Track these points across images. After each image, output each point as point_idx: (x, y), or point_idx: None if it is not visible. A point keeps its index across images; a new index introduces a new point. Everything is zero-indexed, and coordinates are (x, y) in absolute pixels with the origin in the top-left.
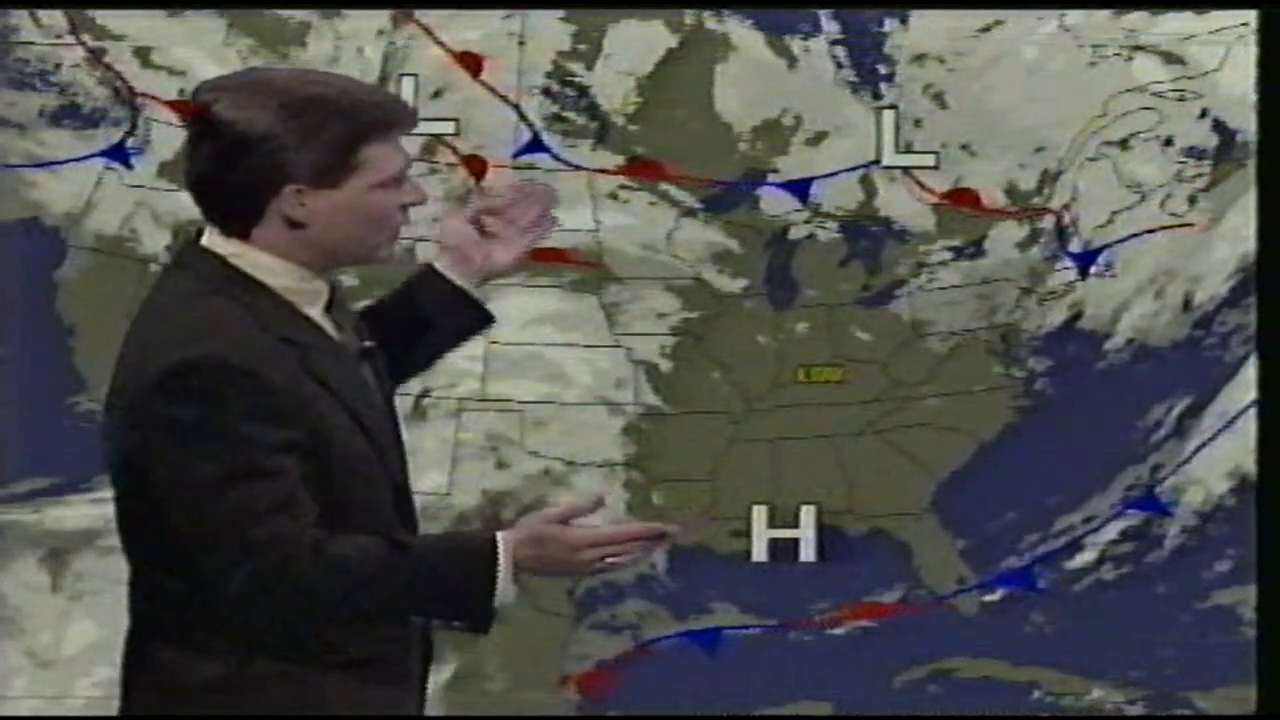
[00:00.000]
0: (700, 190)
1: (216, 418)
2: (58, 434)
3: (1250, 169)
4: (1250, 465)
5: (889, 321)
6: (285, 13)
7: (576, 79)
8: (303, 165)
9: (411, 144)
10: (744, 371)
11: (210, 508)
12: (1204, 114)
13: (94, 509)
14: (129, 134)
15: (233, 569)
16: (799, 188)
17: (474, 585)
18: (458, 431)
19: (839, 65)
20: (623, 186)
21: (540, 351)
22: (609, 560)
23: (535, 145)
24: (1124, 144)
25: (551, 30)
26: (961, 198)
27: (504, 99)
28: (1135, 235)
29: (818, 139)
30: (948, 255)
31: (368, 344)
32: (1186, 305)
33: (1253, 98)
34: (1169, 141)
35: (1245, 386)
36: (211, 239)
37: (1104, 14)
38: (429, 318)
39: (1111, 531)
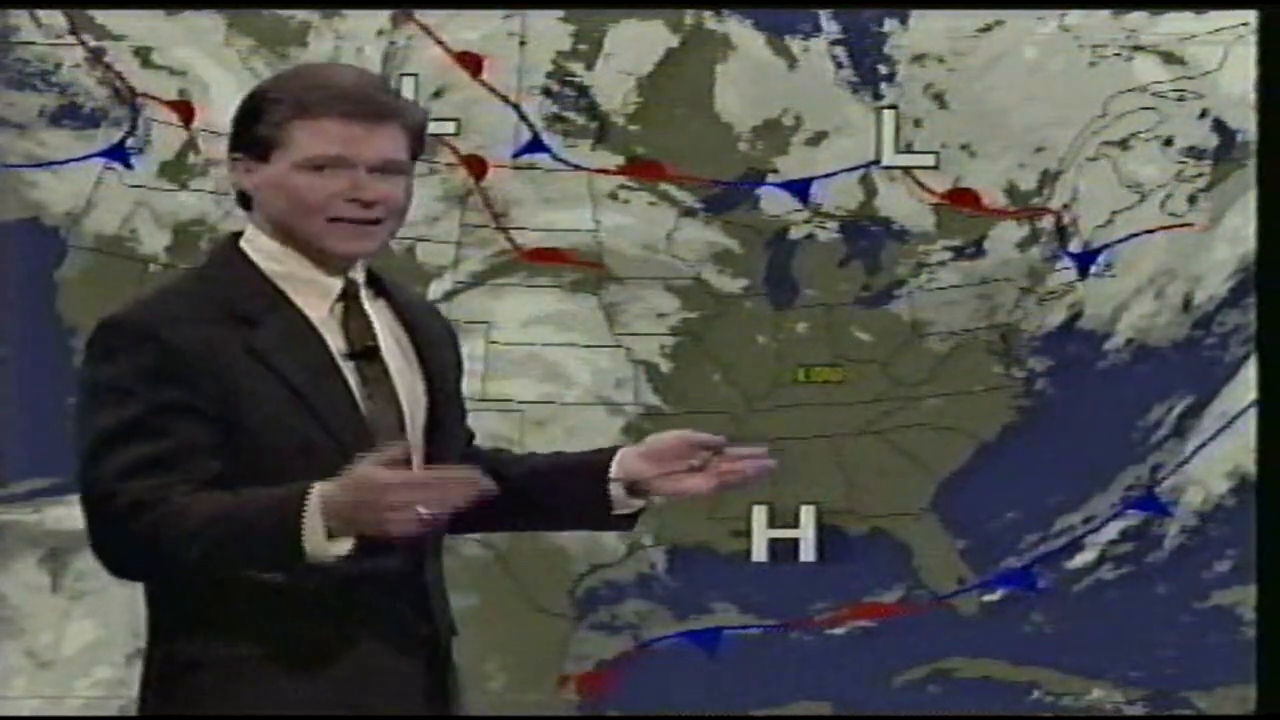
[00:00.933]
0: (700, 190)
1: (112, 375)
2: (58, 434)
3: (1250, 169)
4: (1250, 465)
5: (889, 321)
6: (285, 13)
7: (576, 79)
8: (243, 135)
9: None
10: (744, 371)
11: (94, 460)
12: (1204, 114)
13: None
14: (129, 134)
15: (107, 523)
16: (799, 188)
17: (284, 530)
18: None
19: (839, 65)
20: (623, 186)
21: (540, 351)
22: (422, 508)
23: (535, 145)
24: (1124, 144)
25: (551, 30)
26: (961, 198)
27: (504, 99)
28: (1135, 235)
29: (818, 139)
30: (948, 255)
31: (369, 344)
32: (1186, 305)
33: (1253, 98)
34: (1169, 141)
35: (1245, 386)
36: (247, 229)
37: (1104, 14)
38: (555, 508)
39: (1111, 531)
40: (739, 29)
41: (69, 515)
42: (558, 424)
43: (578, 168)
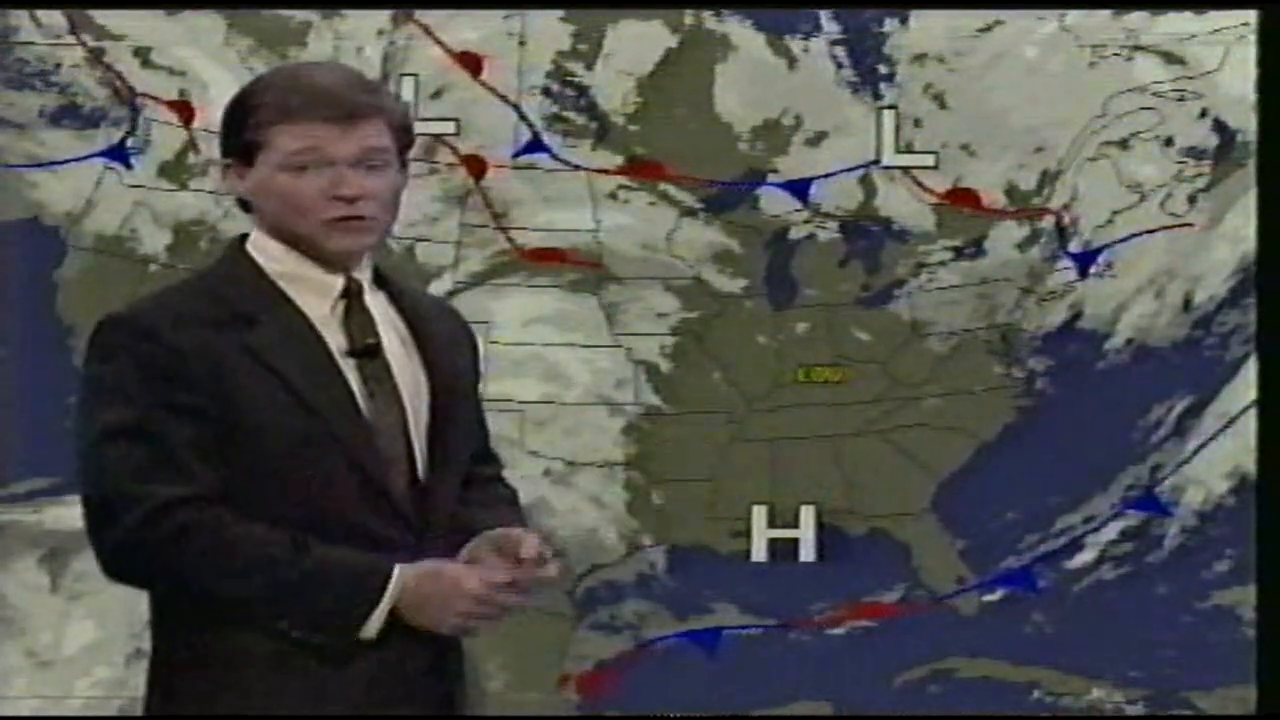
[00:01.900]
0: (700, 190)
1: (112, 372)
2: (58, 434)
3: (1250, 169)
4: (1250, 465)
5: (889, 321)
6: (285, 13)
7: (576, 79)
8: (230, 139)
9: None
10: (744, 371)
11: (94, 460)
12: (1204, 114)
13: None
14: (129, 134)
15: (106, 524)
16: (799, 188)
17: (355, 603)
18: None
19: (839, 65)
20: (623, 186)
21: (540, 351)
22: (479, 618)
23: (535, 145)
24: (1124, 144)
25: (551, 30)
26: (961, 198)
27: (504, 99)
28: (1135, 235)
29: (818, 139)
30: (948, 255)
31: (370, 342)
32: (1186, 305)
33: (1253, 98)
34: (1169, 141)
35: (1245, 386)
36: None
37: (1104, 14)
38: None
39: (1111, 531)
40: (739, 29)
41: (69, 515)
42: (558, 424)
43: (578, 168)
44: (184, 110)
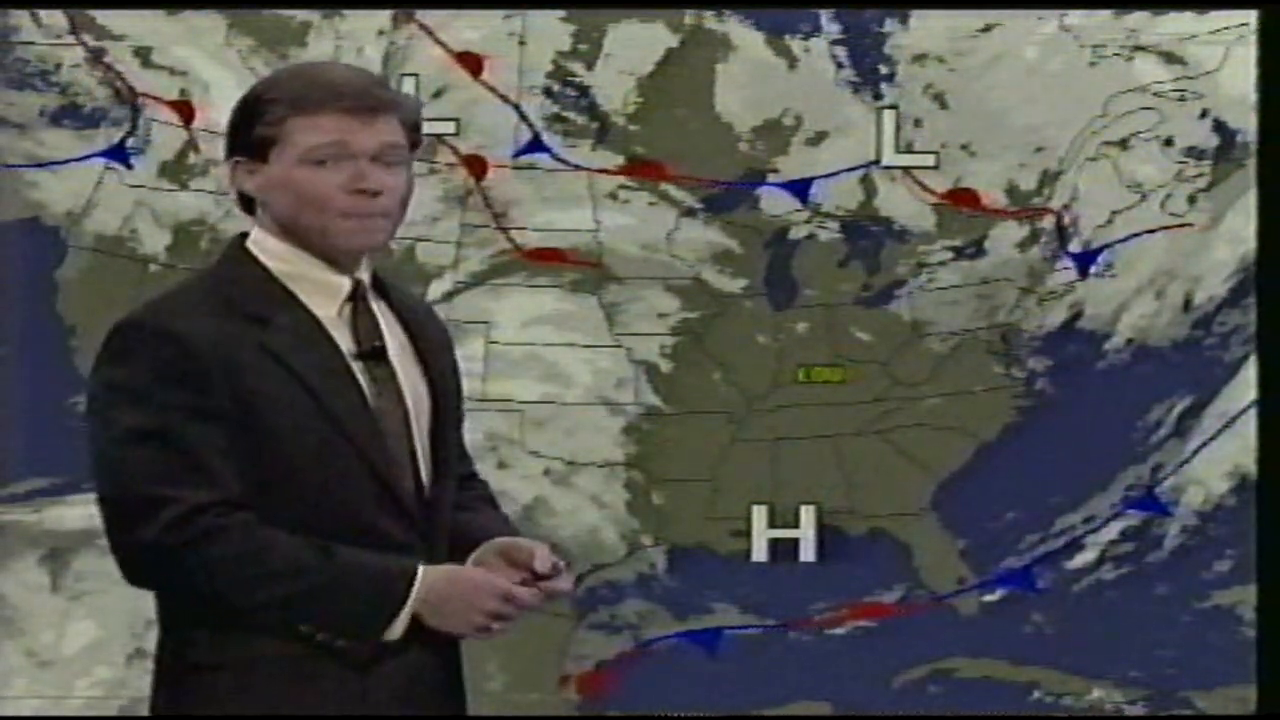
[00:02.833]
0: (700, 190)
1: (133, 376)
2: (58, 434)
3: (1250, 169)
4: (1250, 465)
5: (889, 321)
6: (285, 13)
7: (577, 79)
8: (241, 138)
9: None
10: (744, 371)
11: (117, 464)
12: (1204, 114)
13: (94, 509)
14: (129, 134)
15: (128, 528)
16: (799, 188)
17: (382, 605)
18: None
19: (839, 65)
20: (623, 186)
21: (540, 351)
22: (499, 620)
23: (535, 145)
24: (1124, 144)
25: (551, 30)
26: (961, 198)
27: (504, 99)
28: (1135, 235)
29: (818, 139)
30: (948, 255)
31: (377, 344)
32: (1186, 305)
33: (1253, 98)
34: (1169, 141)
35: (1245, 386)
36: (253, 230)
37: (1104, 14)
38: None
39: (1111, 531)
40: (739, 29)
41: (69, 515)
42: (558, 424)
43: (578, 168)
44: (184, 110)
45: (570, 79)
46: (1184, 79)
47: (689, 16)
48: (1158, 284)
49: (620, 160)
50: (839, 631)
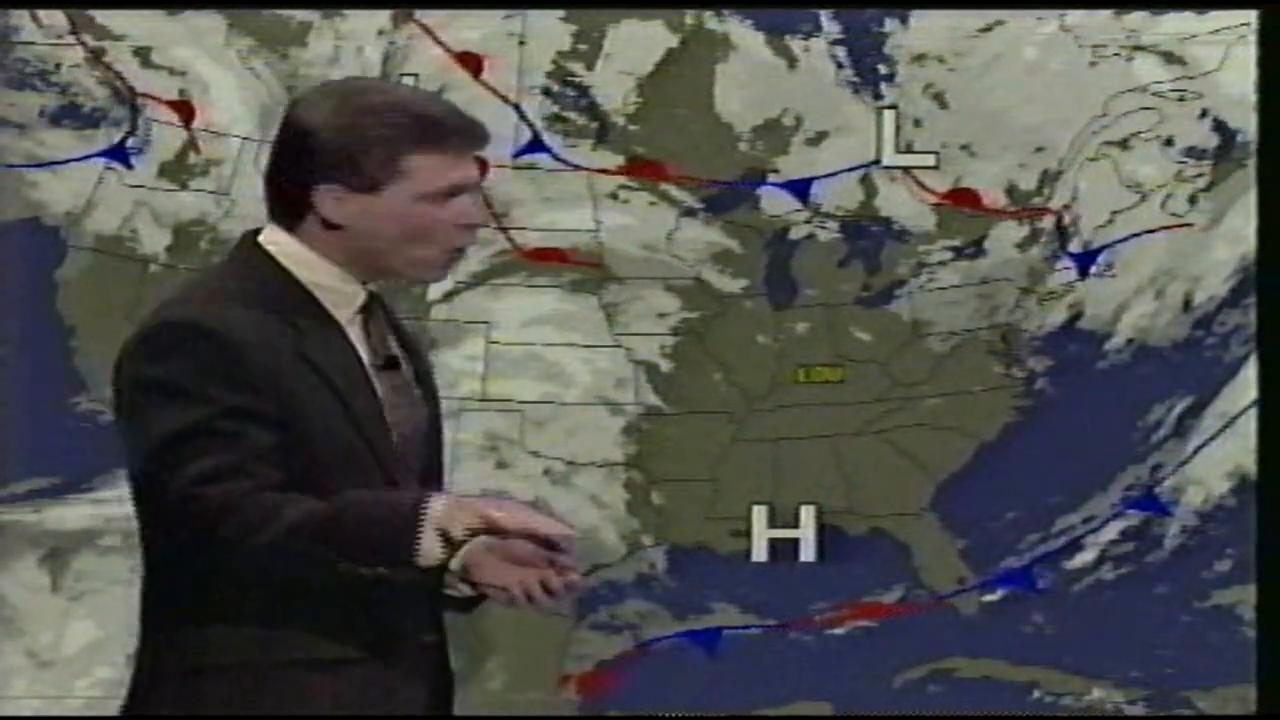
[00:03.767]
0: (700, 190)
1: (179, 375)
2: (58, 434)
3: (1250, 169)
4: (1250, 465)
5: (889, 321)
6: (285, 13)
7: (577, 79)
8: (343, 168)
9: None
10: (744, 371)
11: (165, 464)
12: (1204, 114)
13: (94, 509)
14: (129, 134)
15: (179, 528)
16: (799, 188)
17: (396, 528)
18: (457, 432)
19: (839, 65)
20: (623, 186)
21: (540, 351)
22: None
23: (535, 145)
24: (1124, 144)
25: (551, 30)
26: (961, 198)
27: (504, 99)
28: (1135, 235)
29: (818, 139)
30: (948, 255)
31: (391, 354)
32: (1186, 305)
33: (1253, 98)
34: (1169, 141)
35: (1245, 386)
36: (265, 230)
37: (1104, 14)
38: None
39: (1111, 531)
40: (739, 29)
41: (69, 515)
42: (558, 424)
43: (578, 168)
44: (184, 110)
45: (570, 79)
46: (1184, 79)
47: (689, 16)
48: (1158, 284)
49: (620, 160)
50: (839, 631)
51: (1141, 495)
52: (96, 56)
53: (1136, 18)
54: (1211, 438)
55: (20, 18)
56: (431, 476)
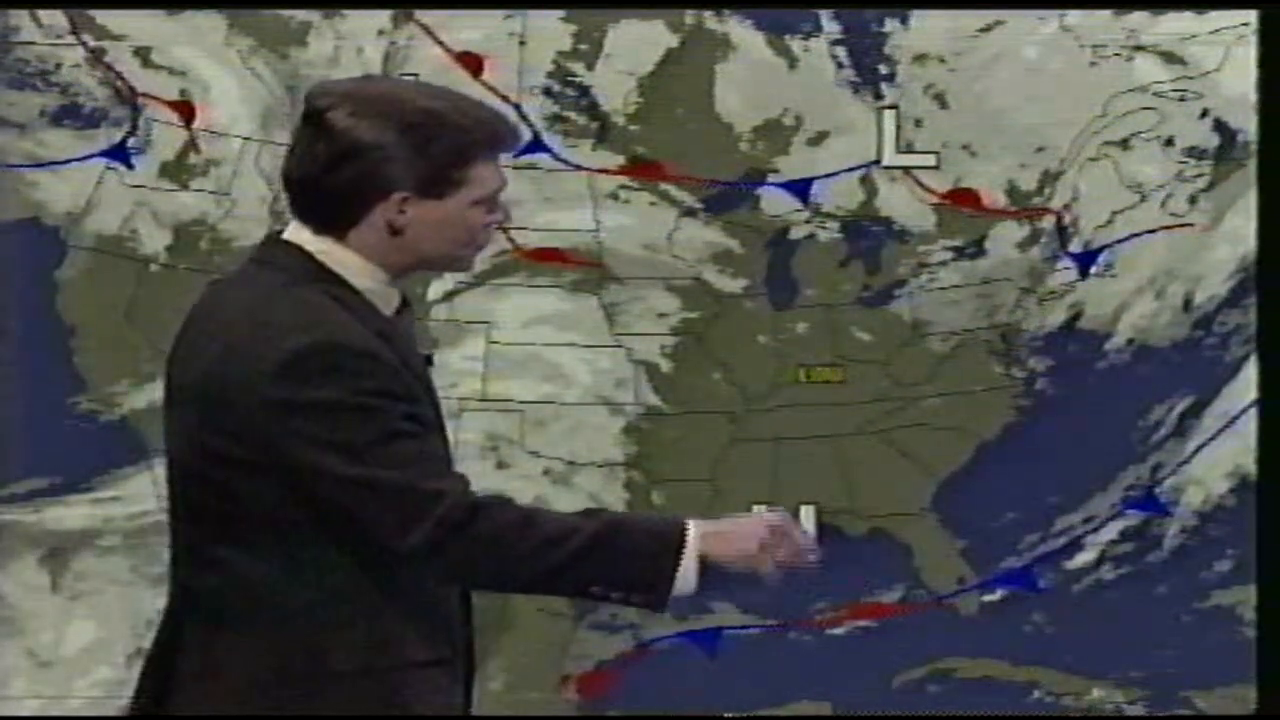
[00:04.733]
0: (700, 190)
1: (351, 393)
2: (58, 434)
3: (1250, 169)
4: (1250, 465)
5: (889, 321)
6: (285, 12)
7: (577, 79)
8: (410, 176)
9: None
10: (744, 371)
11: (377, 469)
12: (1204, 114)
13: (94, 509)
14: (129, 134)
15: (404, 536)
16: (799, 188)
17: (658, 558)
18: (458, 432)
19: (839, 65)
20: (623, 186)
21: (540, 351)
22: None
23: (536, 145)
24: (1124, 144)
25: (552, 30)
26: (961, 198)
27: (504, 99)
28: (1135, 235)
29: (818, 139)
30: (948, 255)
31: (430, 352)
32: (1186, 305)
33: (1253, 98)
34: (1169, 141)
35: (1245, 386)
36: (299, 235)
37: (1104, 14)
38: None
39: (1111, 531)
40: (739, 29)
41: (69, 515)
42: (558, 424)
43: (578, 168)
44: (185, 110)
45: (570, 79)
46: (1184, 79)
47: (689, 16)
48: (1158, 284)
49: (621, 160)
50: (839, 631)
51: (1141, 495)
52: (97, 56)
53: (1136, 18)
54: (1211, 438)
55: (20, 18)
56: None
